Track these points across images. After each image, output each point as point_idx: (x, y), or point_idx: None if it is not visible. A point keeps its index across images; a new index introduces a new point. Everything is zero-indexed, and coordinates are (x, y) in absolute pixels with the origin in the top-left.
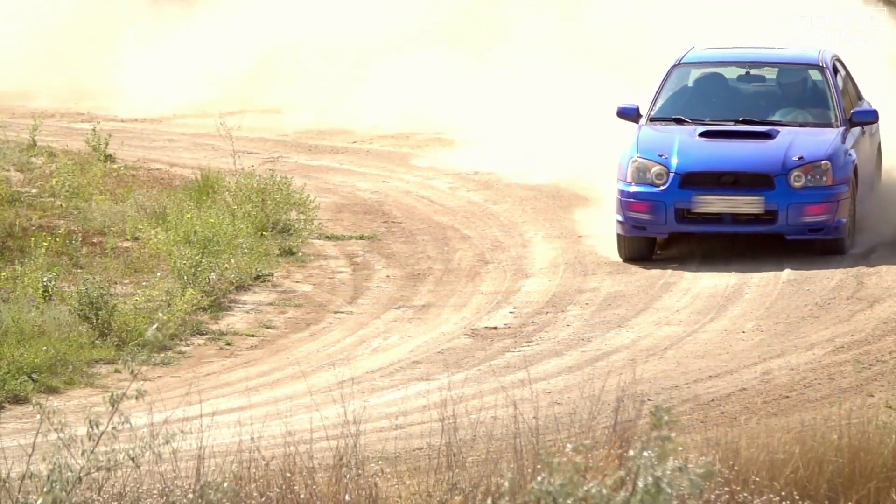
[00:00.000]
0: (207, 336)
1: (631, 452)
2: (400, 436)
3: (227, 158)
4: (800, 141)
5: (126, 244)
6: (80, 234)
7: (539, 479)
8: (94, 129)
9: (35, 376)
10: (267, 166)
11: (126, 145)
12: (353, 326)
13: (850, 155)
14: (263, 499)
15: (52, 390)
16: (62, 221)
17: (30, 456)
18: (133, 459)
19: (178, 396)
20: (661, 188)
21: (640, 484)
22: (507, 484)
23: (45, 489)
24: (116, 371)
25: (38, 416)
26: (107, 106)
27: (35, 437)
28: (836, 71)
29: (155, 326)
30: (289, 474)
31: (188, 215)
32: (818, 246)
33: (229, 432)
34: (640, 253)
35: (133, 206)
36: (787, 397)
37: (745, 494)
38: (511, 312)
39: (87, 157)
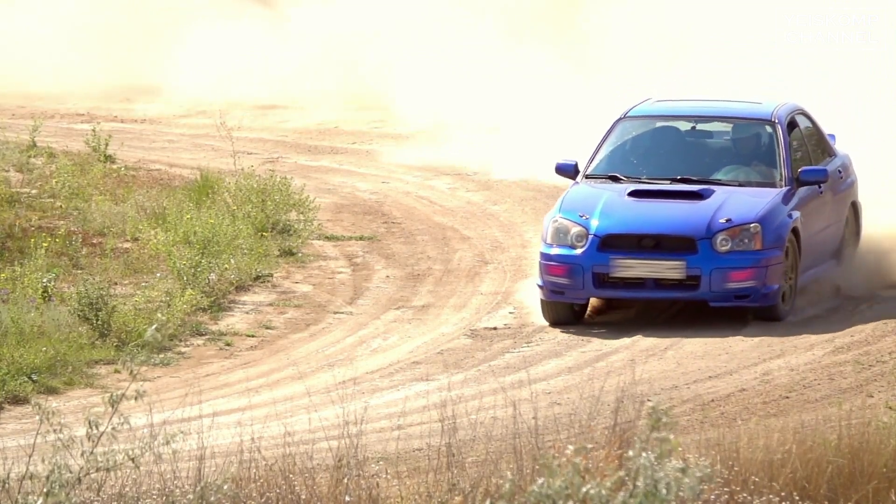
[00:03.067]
0: (207, 336)
1: (630, 453)
2: (400, 436)
3: (226, 159)
4: (732, 202)
5: (126, 245)
6: (79, 235)
7: (539, 482)
8: (93, 130)
9: (35, 377)
10: (267, 167)
11: (126, 146)
12: (352, 327)
13: (789, 217)
14: (263, 499)
15: (52, 391)
16: (62, 222)
17: (29, 456)
18: (133, 460)
19: (178, 397)
20: (580, 251)
21: (640, 485)
22: (507, 485)
23: (44, 490)
24: (116, 371)
25: (38, 417)
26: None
27: (35, 437)
28: (793, 126)
29: (154, 327)
30: (289, 475)
31: (188, 216)
32: (751, 313)
33: (229, 433)
34: (564, 318)
35: (133, 207)
36: (787, 398)
37: (745, 495)
38: (511, 313)
39: (87, 158)
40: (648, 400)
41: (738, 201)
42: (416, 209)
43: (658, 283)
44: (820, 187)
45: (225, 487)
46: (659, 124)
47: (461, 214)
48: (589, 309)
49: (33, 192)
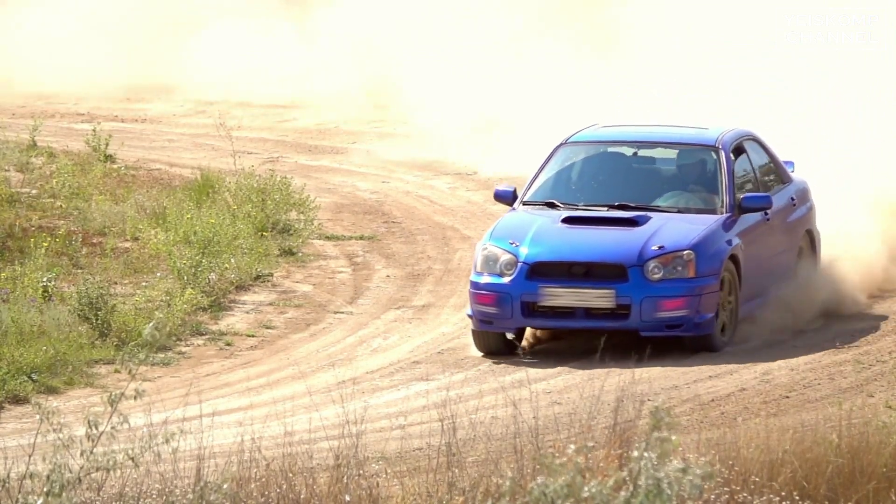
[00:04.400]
0: (207, 336)
1: (634, 454)
2: (400, 436)
3: (227, 158)
4: (667, 229)
5: (126, 244)
6: (79, 235)
7: (539, 480)
8: (94, 130)
9: (35, 376)
10: (267, 166)
11: (126, 146)
12: (352, 326)
13: (727, 244)
14: (263, 499)
15: (52, 390)
16: (62, 222)
17: (29, 456)
18: (133, 459)
19: (178, 397)
20: (508, 279)
21: (642, 485)
22: (507, 484)
23: (44, 489)
24: (116, 371)
25: (38, 417)
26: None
27: (35, 437)
28: (740, 153)
29: (153, 324)
30: (289, 474)
31: (188, 215)
32: (686, 343)
33: (229, 432)
34: (495, 348)
35: (133, 207)
36: (787, 397)
37: (745, 494)
38: None
39: (87, 158)
40: (649, 399)
41: (674, 228)
42: (416, 209)
43: (588, 313)
44: (766, 214)
45: (224, 487)
46: (600, 150)
47: (461, 214)
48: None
49: (33, 191)
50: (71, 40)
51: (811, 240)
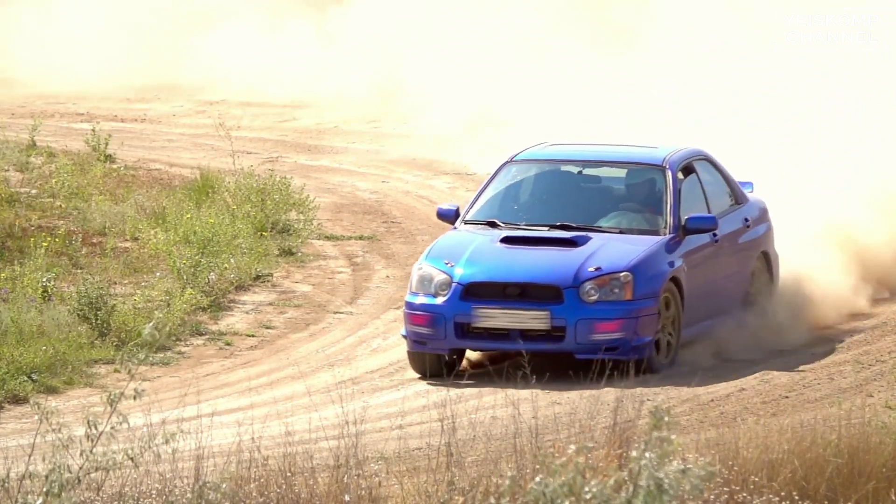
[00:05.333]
0: (207, 336)
1: (633, 453)
2: (400, 436)
3: (226, 158)
4: (607, 250)
5: (125, 244)
6: (79, 235)
7: (538, 479)
8: (93, 130)
9: (34, 376)
10: (266, 166)
11: (126, 145)
12: (352, 326)
13: (669, 266)
14: (263, 499)
15: (52, 390)
16: (62, 222)
17: (29, 456)
18: (132, 459)
19: (178, 397)
20: (442, 300)
21: (642, 485)
22: (507, 484)
23: (44, 489)
24: (116, 371)
25: (37, 417)
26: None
27: (34, 437)
28: (689, 172)
29: (152, 324)
30: (288, 474)
31: (188, 215)
32: (627, 365)
33: (229, 432)
34: (431, 370)
35: (133, 207)
36: (787, 397)
37: (745, 494)
38: None
39: (87, 158)
40: (648, 399)
41: (613, 249)
42: (415, 209)
43: (523, 334)
44: (715, 236)
45: (224, 487)
46: (546, 168)
47: None
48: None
49: (33, 191)
50: (80, 40)
51: (767, 262)
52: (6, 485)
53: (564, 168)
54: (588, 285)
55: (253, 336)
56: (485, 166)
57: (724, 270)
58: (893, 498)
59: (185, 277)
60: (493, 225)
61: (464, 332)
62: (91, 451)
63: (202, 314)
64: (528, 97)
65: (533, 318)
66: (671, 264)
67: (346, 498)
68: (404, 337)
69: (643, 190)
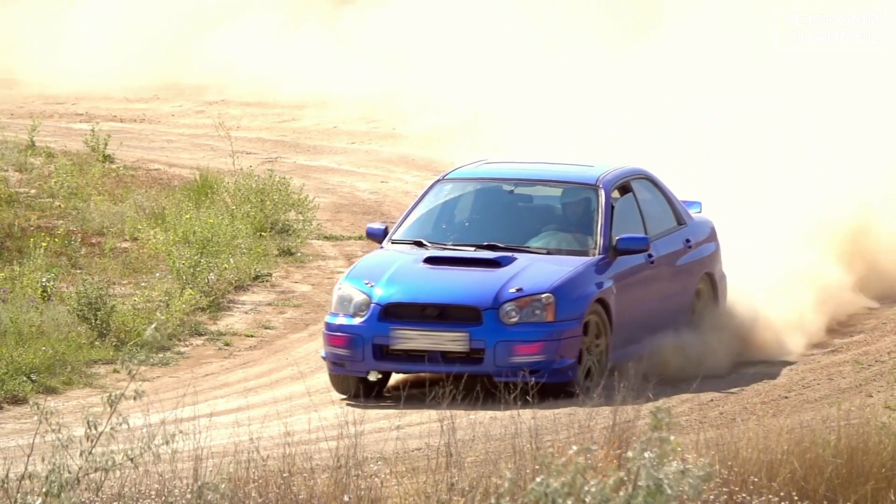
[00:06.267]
0: (206, 336)
1: (630, 454)
2: (399, 436)
3: (225, 159)
4: (531, 271)
5: (125, 244)
6: (78, 235)
7: (538, 480)
8: (92, 130)
9: (34, 376)
10: (266, 166)
11: (125, 146)
12: None
13: (597, 287)
14: (262, 499)
15: (51, 390)
16: (61, 222)
17: (28, 456)
18: (132, 460)
19: (177, 397)
20: (360, 321)
21: (641, 485)
22: (506, 484)
23: (43, 490)
24: (115, 371)
25: (37, 417)
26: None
27: (34, 437)
28: (625, 192)
29: (154, 326)
30: (287, 474)
31: (187, 216)
32: (550, 388)
33: (228, 433)
34: (352, 391)
35: (132, 207)
36: (786, 398)
37: (744, 495)
38: None
39: (86, 158)
40: (648, 399)
41: (537, 270)
42: None
43: (444, 356)
44: (650, 257)
45: (222, 487)
46: (478, 187)
47: None
48: None
49: (32, 191)
50: (81, 42)
51: (712, 283)
52: (6, 485)
53: (497, 187)
54: (508, 307)
55: (252, 336)
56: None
57: (661, 291)
58: (893, 498)
59: (184, 278)
60: (420, 244)
61: (382, 354)
62: (90, 452)
63: (201, 314)
64: (527, 98)
65: (451, 340)
66: (599, 285)
67: (346, 498)
68: (324, 359)
69: (575, 210)
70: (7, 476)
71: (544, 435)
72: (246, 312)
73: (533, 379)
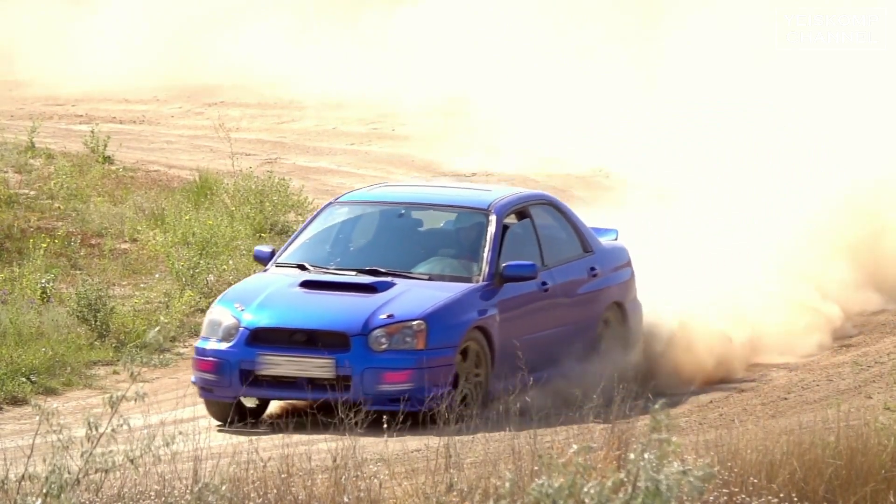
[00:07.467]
0: None
1: (632, 456)
2: (398, 437)
3: (225, 160)
4: (407, 297)
5: (124, 246)
6: (78, 236)
7: (539, 481)
8: (92, 131)
9: (33, 378)
10: (265, 168)
11: (124, 147)
12: None
13: (477, 314)
14: (261, 500)
15: (51, 391)
16: (60, 223)
17: (28, 457)
18: (132, 461)
19: (177, 398)
20: (228, 346)
21: (641, 486)
22: (507, 485)
23: (43, 490)
24: (115, 372)
25: (38, 418)
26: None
27: (34, 438)
28: (523, 217)
29: (157, 329)
30: (286, 475)
31: (186, 217)
32: (429, 417)
33: (227, 433)
34: (228, 417)
35: (131, 208)
36: (786, 399)
37: (744, 496)
38: None
39: (86, 159)
40: (647, 400)
41: (413, 296)
42: None
43: (311, 383)
44: (544, 284)
45: (223, 488)
46: (368, 211)
47: None
48: None
49: (32, 193)
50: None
51: (622, 312)
52: (5, 486)
53: (389, 210)
54: (378, 333)
55: None
56: (484, 168)
57: (557, 320)
58: (892, 500)
59: (183, 279)
60: (303, 268)
61: (249, 380)
62: (91, 453)
63: (201, 316)
64: (527, 99)
65: (318, 367)
66: (482, 312)
67: (345, 499)
68: (194, 384)
69: (466, 235)
70: (7, 477)
71: (544, 436)
72: None
73: (402, 407)
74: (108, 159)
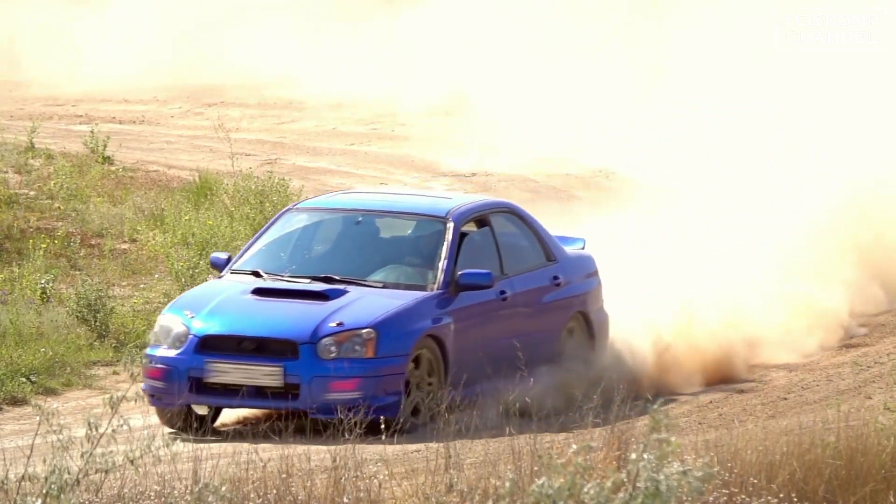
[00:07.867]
0: None
1: (632, 456)
2: (398, 437)
3: (225, 160)
4: (358, 305)
5: (124, 246)
6: (78, 236)
7: (539, 481)
8: (92, 132)
9: (33, 378)
10: (265, 168)
11: (124, 147)
12: None
13: (430, 322)
14: (261, 500)
15: (50, 392)
16: (60, 223)
17: (28, 457)
18: (132, 461)
19: None
20: (177, 353)
21: (641, 486)
22: (507, 486)
23: (43, 491)
24: (115, 373)
25: (38, 418)
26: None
27: (34, 438)
28: (482, 225)
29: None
30: (284, 475)
31: (186, 217)
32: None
33: (226, 434)
34: (177, 423)
35: (131, 208)
36: (785, 399)
37: (743, 496)
38: None
39: (86, 159)
40: (647, 400)
41: (365, 304)
42: None
43: (259, 391)
44: (503, 293)
45: (223, 489)
46: (326, 217)
47: None
48: None
49: (32, 193)
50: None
51: (587, 322)
52: (5, 486)
53: (346, 217)
54: (327, 341)
55: None
56: (484, 168)
57: (516, 329)
58: (892, 500)
59: (183, 279)
60: (257, 275)
61: (198, 388)
62: (91, 453)
63: None
64: (526, 99)
65: (266, 375)
66: (436, 321)
67: (345, 500)
68: (143, 391)
69: (422, 243)
70: (7, 477)
71: (543, 436)
72: None
73: (350, 416)
74: (107, 159)
